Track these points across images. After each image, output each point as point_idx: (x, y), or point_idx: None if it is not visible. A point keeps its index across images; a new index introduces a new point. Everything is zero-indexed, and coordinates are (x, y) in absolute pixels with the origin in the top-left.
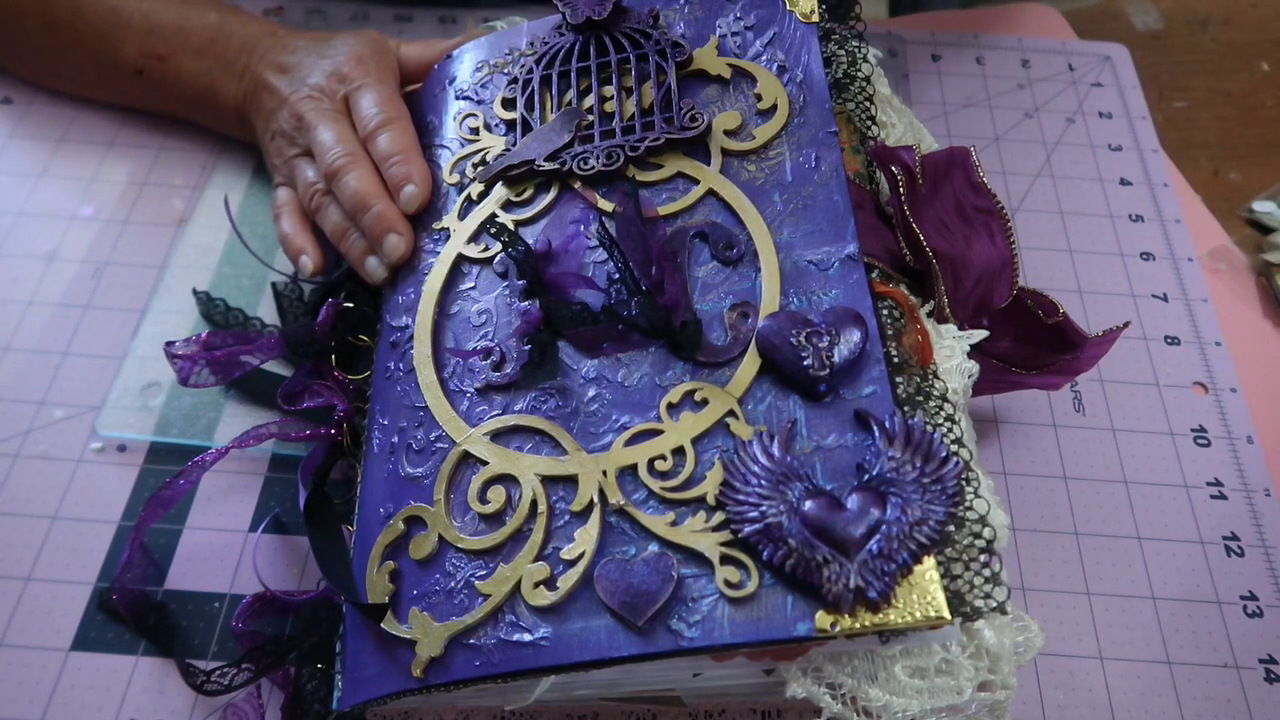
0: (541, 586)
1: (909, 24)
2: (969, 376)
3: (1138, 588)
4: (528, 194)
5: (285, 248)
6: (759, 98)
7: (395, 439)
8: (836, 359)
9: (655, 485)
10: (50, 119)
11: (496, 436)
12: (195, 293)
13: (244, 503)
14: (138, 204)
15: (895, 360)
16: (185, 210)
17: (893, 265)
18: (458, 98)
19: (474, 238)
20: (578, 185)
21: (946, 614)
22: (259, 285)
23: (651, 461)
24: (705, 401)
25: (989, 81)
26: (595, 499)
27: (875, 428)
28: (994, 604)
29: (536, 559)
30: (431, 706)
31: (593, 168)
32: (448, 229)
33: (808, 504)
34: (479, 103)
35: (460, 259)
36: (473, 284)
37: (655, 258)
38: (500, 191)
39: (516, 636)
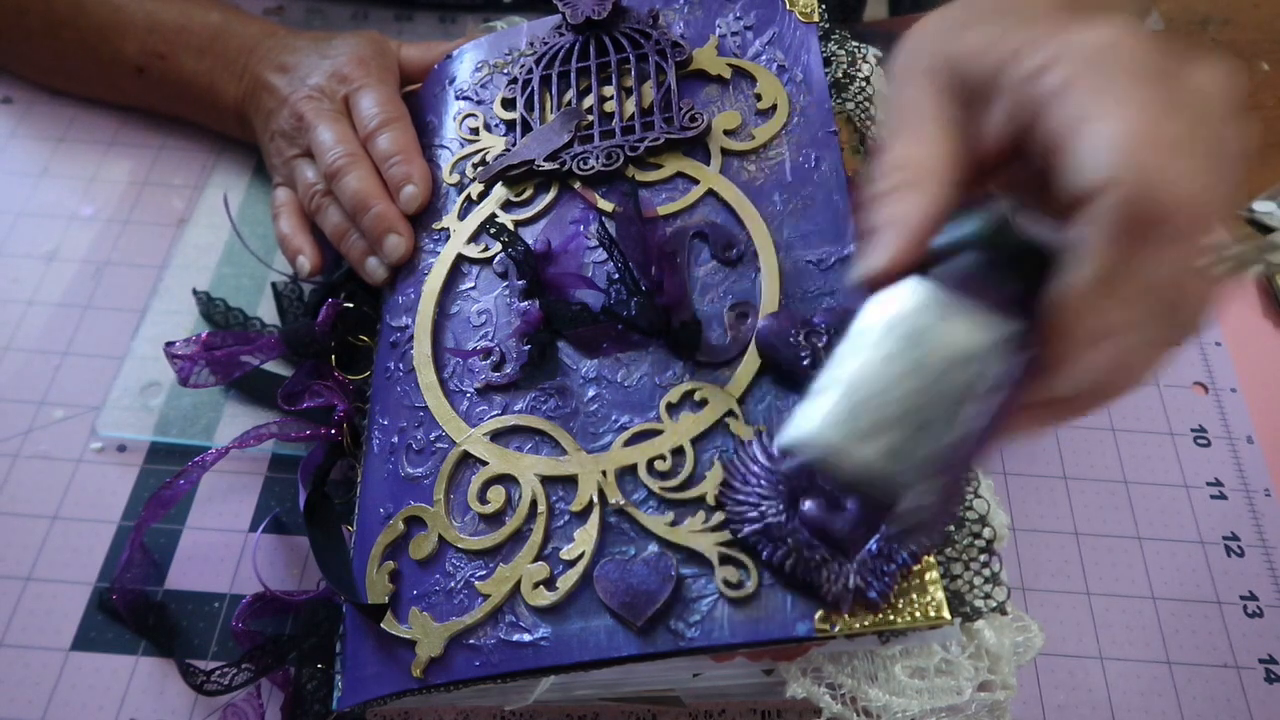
0: (541, 587)
1: (909, 24)
2: None
3: (1138, 588)
4: (528, 194)
5: (283, 248)
6: (759, 97)
7: (395, 439)
8: None
9: (655, 485)
10: (50, 119)
11: (496, 437)
12: (195, 293)
13: (244, 503)
14: (138, 204)
15: None
16: (185, 210)
17: None
18: (458, 98)
19: (474, 238)
20: (577, 185)
21: (946, 614)
22: (259, 285)
23: (651, 461)
24: (705, 401)
25: None
26: (595, 499)
27: None
28: (994, 604)
29: (536, 559)
30: (431, 706)
31: (592, 168)
32: (448, 229)
33: (807, 504)
34: (479, 103)
35: (460, 259)
36: (473, 284)
37: (655, 258)
38: (500, 191)
39: (516, 637)
